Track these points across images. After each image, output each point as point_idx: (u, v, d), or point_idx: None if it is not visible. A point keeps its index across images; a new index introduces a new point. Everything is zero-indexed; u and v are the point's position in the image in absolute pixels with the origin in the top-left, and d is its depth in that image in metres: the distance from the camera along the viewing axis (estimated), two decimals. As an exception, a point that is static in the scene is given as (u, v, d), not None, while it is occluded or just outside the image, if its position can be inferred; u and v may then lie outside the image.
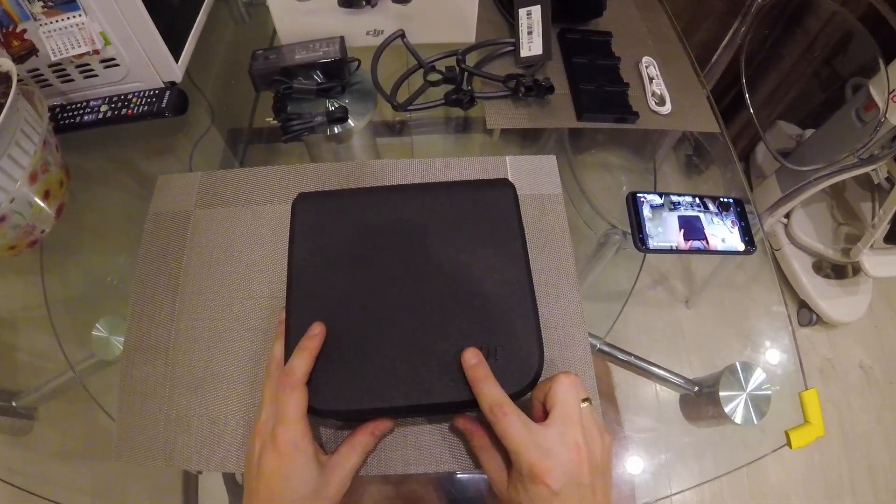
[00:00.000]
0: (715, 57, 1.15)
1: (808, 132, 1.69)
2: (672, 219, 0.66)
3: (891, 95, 1.22)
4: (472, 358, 0.46)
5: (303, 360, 0.45)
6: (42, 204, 0.63)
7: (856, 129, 1.39)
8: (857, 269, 1.64)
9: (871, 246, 1.48)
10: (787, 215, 1.67)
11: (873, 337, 1.75)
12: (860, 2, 1.19)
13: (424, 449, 0.51)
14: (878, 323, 1.78)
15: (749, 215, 0.69)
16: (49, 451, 0.66)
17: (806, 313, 1.71)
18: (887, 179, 1.46)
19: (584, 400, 0.44)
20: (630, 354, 0.68)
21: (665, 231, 0.65)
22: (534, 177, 0.66)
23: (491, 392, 0.44)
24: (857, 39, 1.27)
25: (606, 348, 0.67)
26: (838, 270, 1.72)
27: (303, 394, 0.44)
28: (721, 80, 1.22)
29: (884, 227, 1.42)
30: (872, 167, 1.16)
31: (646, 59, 0.81)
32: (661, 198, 0.67)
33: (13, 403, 0.66)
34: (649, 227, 0.65)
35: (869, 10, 1.04)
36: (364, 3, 0.72)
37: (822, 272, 1.70)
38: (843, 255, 1.60)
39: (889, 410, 1.63)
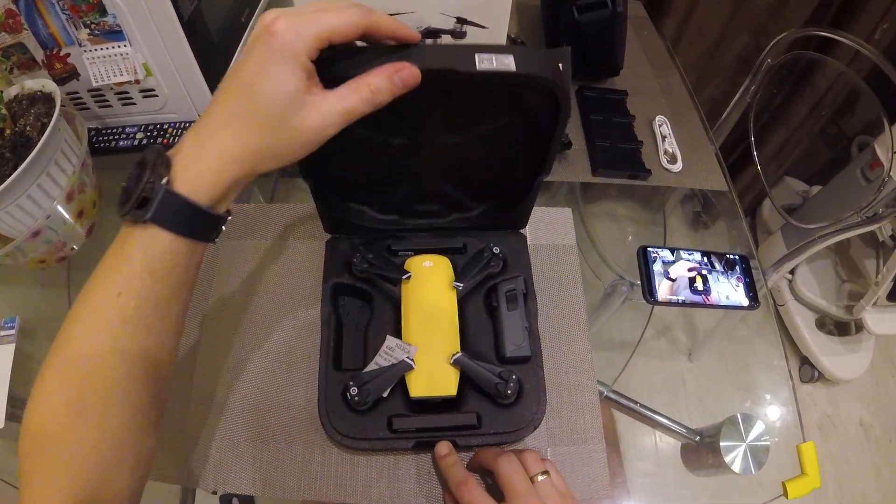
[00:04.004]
0: (725, 114, 1.17)
1: (815, 189, 1.71)
2: (681, 275, 0.68)
3: (896, 154, 1.25)
4: (444, 449, 0.52)
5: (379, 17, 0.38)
6: (75, 222, 0.66)
7: (861, 187, 1.41)
8: (859, 326, 1.64)
9: (875, 303, 1.49)
10: (792, 271, 1.68)
11: (874, 394, 1.75)
12: (865, 62, 1.23)
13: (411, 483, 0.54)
14: (880, 380, 1.77)
15: (753, 270, 0.71)
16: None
17: (808, 369, 1.71)
18: (892, 237, 1.48)
19: (543, 473, 0.48)
20: (636, 403, 0.70)
21: (674, 286, 0.67)
22: (550, 228, 0.69)
23: (458, 473, 0.49)
24: (862, 99, 1.30)
25: (613, 395, 0.68)
26: (841, 327, 1.72)
27: (349, 17, 0.36)
28: (730, 135, 1.25)
29: (887, 285, 1.43)
30: (877, 225, 1.18)
31: (659, 118, 0.84)
32: (673, 254, 0.69)
33: (29, 412, 0.67)
34: (658, 281, 0.67)
35: (874, 69, 1.07)
36: (395, 53, 0.75)
37: (824, 328, 1.70)
38: (847, 311, 1.60)
39: (887, 468, 1.62)
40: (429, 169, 0.55)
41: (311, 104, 0.36)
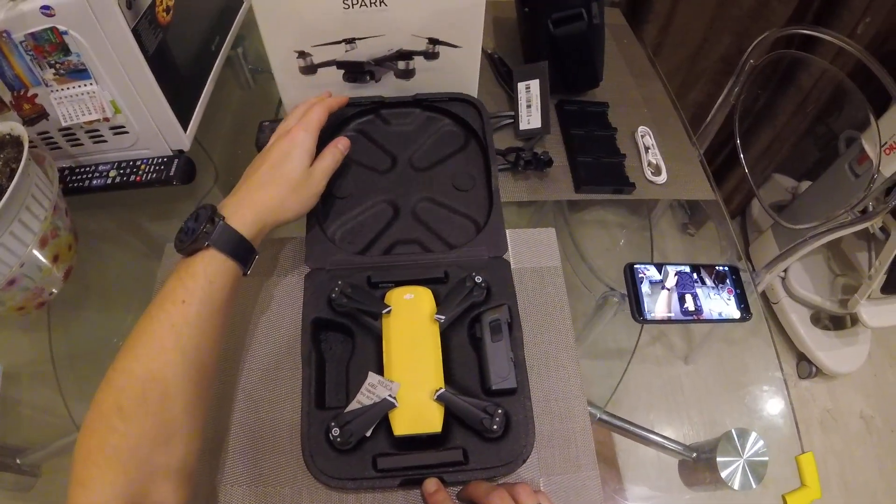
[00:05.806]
0: (709, 117, 1.16)
1: (804, 184, 1.71)
2: (671, 294, 0.67)
3: (883, 148, 1.24)
4: (431, 486, 0.51)
5: (334, 99, 0.65)
6: (51, 267, 0.64)
7: (850, 182, 1.41)
8: (855, 320, 1.64)
9: (869, 297, 1.49)
10: (785, 269, 1.68)
11: (873, 386, 1.75)
12: (849, 58, 1.22)
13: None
14: (878, 372, 1.77)
15: (743, 273, 0.70)
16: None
17: (805, 366, 1.71)
18: (881, 229, 1.48)
19: None
20: (630, 423, 0.69)
21: (663, 305, 0.66)
22: (534, 250, 0.68)
23: None
24: (847, 94, 1.30)
25: (606, 417, 0.67)
26: (836, 321, 1.72)
27: (325, 113, 0.62)
28: (716, 138, 1.24)
29: (880, 278, 1.43)
30: (869, 223, 1.17)
31: (641, 129, 0.83)
32: (660, 272, 0.68)
33: (17, 461, 0.65)
34: (647, 301, 0.66)
35: (858, 65, 1.07)
36: (368, 78, 0.74)
37: (820, 324, 1.70)
38: (841, 306, 1.60)
39: (890, 458, 1.62)
40: (407, 200, 0.69)
41: (312, 170, 0.59)
